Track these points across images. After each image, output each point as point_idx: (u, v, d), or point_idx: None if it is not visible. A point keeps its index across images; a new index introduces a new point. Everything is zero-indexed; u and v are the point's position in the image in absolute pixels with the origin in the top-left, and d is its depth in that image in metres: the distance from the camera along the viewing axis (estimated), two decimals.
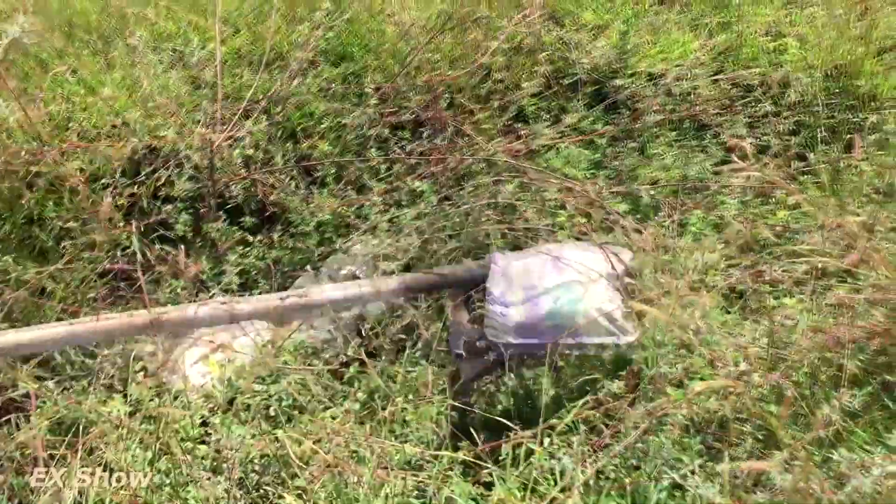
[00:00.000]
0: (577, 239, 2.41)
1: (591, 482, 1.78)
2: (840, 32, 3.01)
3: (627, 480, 1.70)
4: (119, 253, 2.55)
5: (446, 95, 2.86)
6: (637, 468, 1.80)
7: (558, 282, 2.04)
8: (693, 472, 1.70)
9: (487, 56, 2.84)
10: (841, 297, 1.84)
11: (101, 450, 2.06)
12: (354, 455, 1.99)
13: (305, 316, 2.34)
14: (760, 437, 1.80)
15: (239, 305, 2.09)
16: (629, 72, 3.04)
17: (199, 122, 2.68)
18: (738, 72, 2.96)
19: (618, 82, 2.98)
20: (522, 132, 2.83)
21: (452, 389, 2.15)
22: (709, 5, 3.29)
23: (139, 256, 2.54)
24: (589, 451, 1.81)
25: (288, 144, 2.83)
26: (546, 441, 1.83)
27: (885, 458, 1.55)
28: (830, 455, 1.66)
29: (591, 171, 2.81)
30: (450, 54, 2.94)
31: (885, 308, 1.79)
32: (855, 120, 2.76)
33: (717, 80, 2.96)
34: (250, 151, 2.72)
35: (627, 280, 2.14)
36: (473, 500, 1.79)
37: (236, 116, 2.73)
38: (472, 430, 1.94)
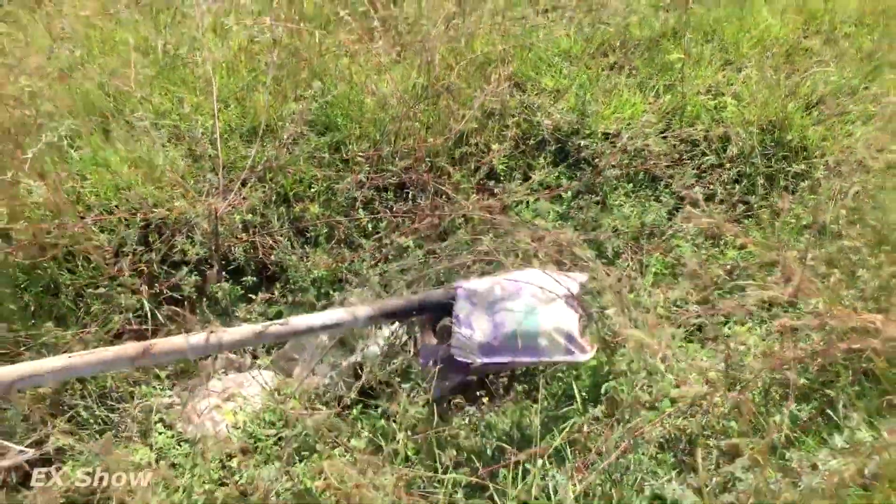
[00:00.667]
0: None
1: (581, 498, 2.03)
2: (771, 91, 3.39)
3: (614, 492, 1.96)
4: (132, 315, 2.76)
5: (426, 159, 3.14)
6: (620, 482, 2.06)
7: (519, 304, 2.27)
8: (670, 482, 1.96)
9: (462, 123, 3.15)
10: (784, 323, 2.14)
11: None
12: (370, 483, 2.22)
13: (288, 341, 2.55)
14: (724, 448, 2.08)
15: (226, 335, 2.25)
16: (587, 131, 3.37)
17: (202, 192, 2.93)
18: (684, 129, 3.32)
19: (578, 141, 3.31)
20: (495, 190, 3.13)
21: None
22: (654, 69, 3.66)
23: (150, 318, 2.77)
24: (577, 469, 2.07)
25: (282, 208, 3.08)
26: (539, 462, 2.09)
27: (829, 454, 1.83)
28: (785, 458, 1.94)
29: (559, 222, 3.11)
30: (426, 122, 3.24)
31: (822, 331, 2.09)
32: (788, 169, 3.12)
33: (665, 137, 3.31)
34: (249, 216, 2.97)
35: (585, 298, 2.39)
36: None
37: (235, 185, 2.98)
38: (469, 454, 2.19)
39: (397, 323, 2.63)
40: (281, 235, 2.99)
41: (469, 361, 2.23)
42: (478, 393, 2.44)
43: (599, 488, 2.05)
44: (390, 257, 2.98)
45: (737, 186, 3.09)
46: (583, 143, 3.29)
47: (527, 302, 2.31)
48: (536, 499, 2.00)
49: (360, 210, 3.06)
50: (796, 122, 3.27)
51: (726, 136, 3.23)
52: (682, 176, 3.13)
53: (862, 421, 1.94)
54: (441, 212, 3.01)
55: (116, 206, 2.86)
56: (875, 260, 2.24)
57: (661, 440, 2.11)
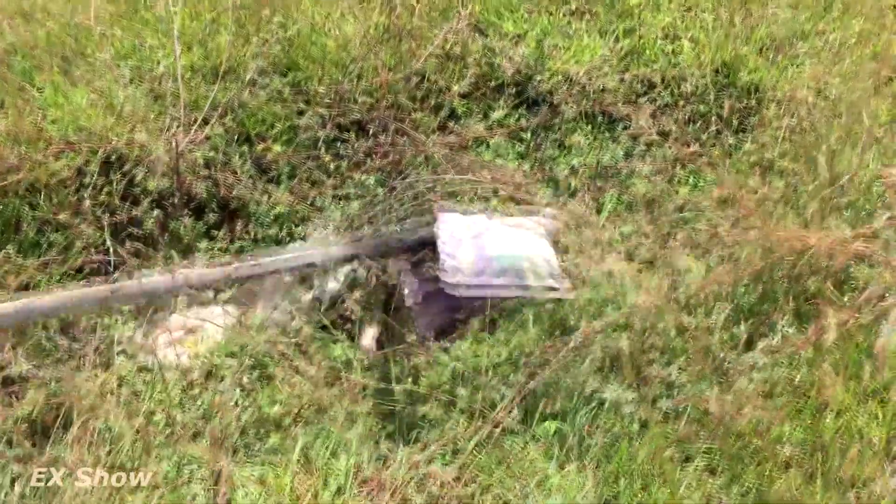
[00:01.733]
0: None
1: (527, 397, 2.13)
2: (726, 34, 3.46)
3: (559, 396, 2.04)
4: (93, 249, 2.79)
5: (386, 97, 3.18)
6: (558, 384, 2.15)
7: (501, 233, 2.32)
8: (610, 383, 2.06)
9: (422, 62, 3.19)
10: (715, 231, 2.21)
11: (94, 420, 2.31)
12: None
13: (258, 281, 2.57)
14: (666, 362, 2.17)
15: (192, 273, 2.20)
16: (547, 74, 3.42)
17: (163, 128, 2.95)
18: (641, 70, 3.38)
19: (537, 83, 3.36)
20: (455, 128, 3.18)
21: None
22: (614, 14, 3.71)
23: (111, 251, 2.81)
24: (524, 382, 2.15)
25: (244, 147, 3.11)
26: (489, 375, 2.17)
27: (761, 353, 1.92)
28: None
29: (518, 161, 3.17)
30: (388, 62, 3.27)
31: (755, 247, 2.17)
32: (740, 106, 3.19)
33: (623, 79, 3.37)
34: (211, 154, 3.00)
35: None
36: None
37: (196, 123, 3.00)
38: None
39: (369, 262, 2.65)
40: (243, 173, 3.02)
41: (456, 292, 2.27)
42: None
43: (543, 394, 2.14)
44: (352, 195, 3.03)
45: (691, 125, 3.16)
46: (541, 84, 3.34)
47: (508, 232, 2.36)
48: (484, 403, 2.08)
49: (322, 148, 3.10)
50: (749, 64, 3.34)
51: (682, 76, 3.29)
52: (638, 116, 3.19)
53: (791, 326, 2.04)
54: (402, 149, 3.05)
55: (74, 142, 2.87)
56: (812, 186, 2.32)
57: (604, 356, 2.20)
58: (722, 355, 2.01)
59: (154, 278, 2.24)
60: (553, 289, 2.26)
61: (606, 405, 2.02)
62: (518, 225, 2.40)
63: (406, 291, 2.44)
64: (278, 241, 2.91)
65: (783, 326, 2.14)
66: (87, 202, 2.75)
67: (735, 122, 3.14)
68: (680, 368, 2.01)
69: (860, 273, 2.17)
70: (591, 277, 2.44)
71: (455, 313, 2.40)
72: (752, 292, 2.30)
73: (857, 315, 2.02)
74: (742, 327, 2.16)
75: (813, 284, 2.17)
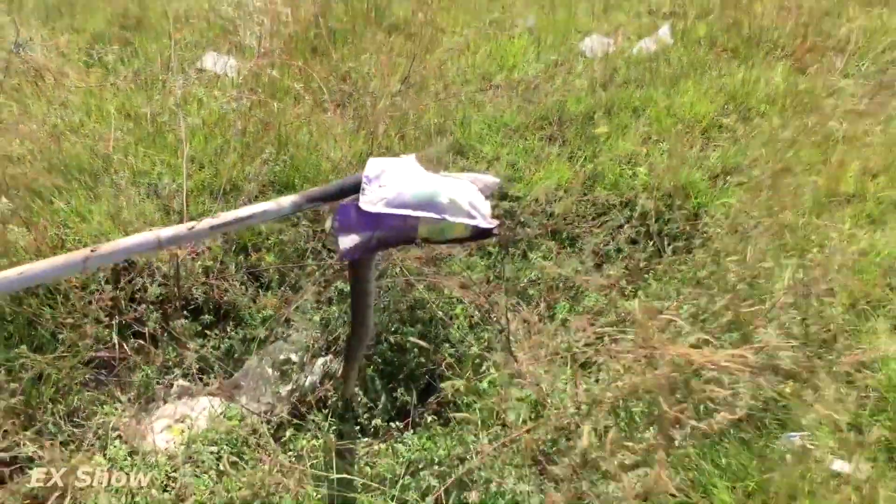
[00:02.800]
0: None
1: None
2: (681, 161, 3.82)
3: (474, 491, 2.32)
4: (102, 346, 3.18)
5: None
6: (477, 480, 2.43)
7: (428, 175, 2.27)
8: (525, 483, 2.33)
9: None
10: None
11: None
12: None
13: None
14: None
15: (163, 232, 2.18)
16: (517, 195, 3.80)
17: None
18: (601, 193, 3.74)
19: (506, 203, 3.74)
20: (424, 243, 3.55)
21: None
22: (584, 141, 4.11)
23: (117, 347, 3.19)
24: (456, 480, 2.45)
25: (240, 257, 3.51)
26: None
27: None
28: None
29: (485, 272, 3.52)
30: None
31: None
32: (686, 228, 3.53)
33: (584, 200, 3.73)
34: (209, 263, 3.41)
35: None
36: None
37: None
38: None
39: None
40: (237, 280, 3.41)
41: (373, 209, 2.19)
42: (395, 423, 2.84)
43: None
44: (332, 299, 3.40)
45: (641, 244, 3.49)
46: (510, 205, 3.72)
47: (436, 176, 2.31)
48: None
49: (309, 259, 3.49)
50: (700, 189, 3.69)
51: (636, 199, 3.65)
52: (594, 235, 3.54)
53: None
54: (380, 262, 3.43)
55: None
56: (720, 304, 2.62)
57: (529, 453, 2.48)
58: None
59: (130, 238, 2.16)
60: (472, 217, 2.20)
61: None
62: (453, 177, 2.36)
63: (329, 220, 2.35)
64: (264, 340, 3.27)
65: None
66: (96, 305, 3.14)
67: (678, 243, 3.46)
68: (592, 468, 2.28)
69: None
70: (535, 376, 2.75)
71: (373, 237, 2.29)
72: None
73: None
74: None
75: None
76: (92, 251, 2.07)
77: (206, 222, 2.17)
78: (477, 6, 5.52)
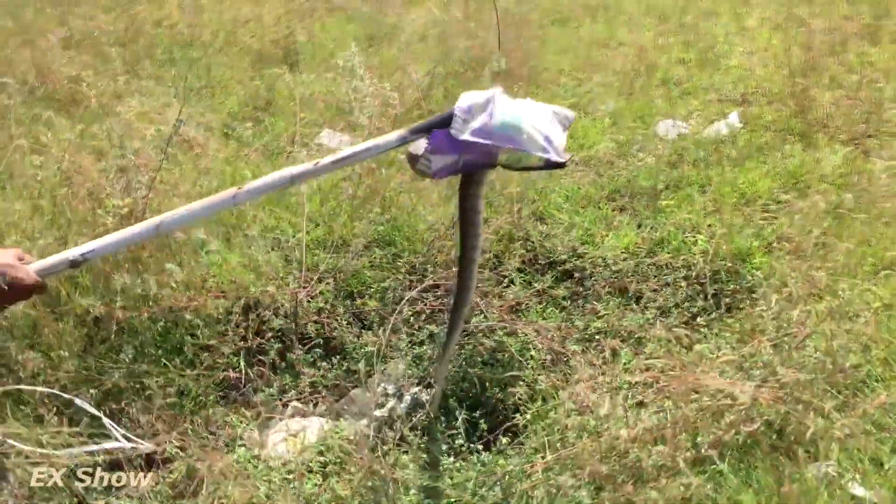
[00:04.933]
0: None
1: None
2: (738, 230, 4.26)
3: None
4: (232, 369, 3.80)
5: (454, 270, 4.15)
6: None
7: (514, 106, 2.45)
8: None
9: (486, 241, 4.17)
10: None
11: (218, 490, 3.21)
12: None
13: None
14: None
15: (294, 170, 2.31)
16: (588, 256, 4.31)
17: (289, 284, 4.02)
18: (663, 256, 4.21)
19: (579, 263, 4.26)
20: (509, 294, 4.09)
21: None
22: (651, 212, 4.60)
23: (243, 371, 3.81)
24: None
25: (347, 301, 4.12)
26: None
27: None
28: None
29: (557, 321, 4.01)
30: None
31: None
32: (738, 289, 3.95)
33: (648, 262, 4.21)
34: (322, 304, 4.03)
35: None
36: None
37: (314, 281, 4.06)
38: None
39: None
40: (344, 320, 4.02)
41: (460, 136, 2.36)
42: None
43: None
44: (424, 341, 3.95)
45: (696, 302, 3.93)
46: (583, 263, 4.23)
47: (519, 104, 2.49)
48: None
49: (406, 305, 4.07)
50: (756, 258, 4.12)
51: (695, 263, 4.10)
52: (656, 293, 4.00)
53: None
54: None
55: (227, 291, 3.97)
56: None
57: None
58: None
59: (269, 176, 2.32)
60: (546, 151, 2.39)
61: None
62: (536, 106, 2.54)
63: (415, 145, 2.48)
64: (365, 373, 3.84)
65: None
66: (230, 335, 3.78)
67: (728, 299, 3.88)
68: None
69: None
70: (595, 406, 3.22)
71: (460, 156, 2.47)
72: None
73: None
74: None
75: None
76: (238, 189, 2.27)
77: (329, 158, 2.33)
78: (564, 92, 6.15)
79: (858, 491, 2.80)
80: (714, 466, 2.79)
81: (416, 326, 4.01)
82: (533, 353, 3.79)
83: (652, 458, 2.80)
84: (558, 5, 7.52)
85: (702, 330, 3.76)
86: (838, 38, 6.71)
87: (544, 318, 4.04)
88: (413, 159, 2.48)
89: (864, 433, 2.87)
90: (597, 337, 3.87)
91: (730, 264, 4.05)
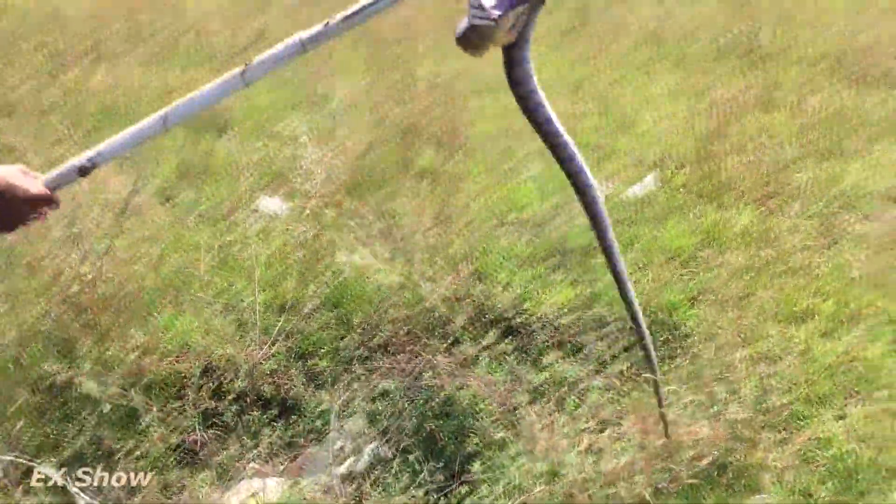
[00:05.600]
0: None
1: None
2: (667, 284, 4.60)
3: None
4: (188, 432, 3.84)
5: (404, 327, 4.33)
6: None
7: None
8: None
9: (431, 302, 4.37)
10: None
11: None
12: None
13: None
14: None
15: (304, 34, 2.16)
16: (529, 312, 4.55)
17: (243, 347, 4.11)
18: (597, 310, 4.50)
19: (521, 319, 4.50)
20: (454, 351, 4.28)
21: None
22: (584, 269, 4.91)
23: (200, 434, 3.85)
24: None
25: (300, 362, 4.23)
26: None
27: None
28: None
29: (503, 377, 4.21)
30: (407, 302, 4.46)
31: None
32: (669, 338, 4.26)
33: (582, 317, 4.48)
34: (275, 366, 4.12)
35: None
36: None
37: (267, 344, 4.16)
38: None
39: None
40: (299, 381, 4.12)
41: None
42: None
43: None
44: (376, 398, 4.08)
45: (631, 352, 4.21)
46: (525, 319, 4.48)
47: None
48: None
49: (356, 363, 4.21)
50: (679, 307, 4.45)
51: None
52: (594, 346, 4.27)
53: None
54: (415, 365, 4.14)
55: (182, 355, 4.03)
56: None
57: None
58: None
59: (277, 46, 2.15)
60: None
61: None
62: None
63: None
64: (322, 431, 3.93)
65: None
66: (188, 397, 3.83)
67: (662, 351, 4.19)
68: None
69: None
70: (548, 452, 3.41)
71: None
72: None
73: None
74: None
75: None
76: (246, 65, 2.13)
77: (339, 16, 2.18)
78: (494, 159, 6.49)
79: None
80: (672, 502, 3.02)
81: (371, 385, 4.14)
82: (482, 405, 3.97)
83: (610, 500, 3.02)
84: (480, 75, 7.92)
85: (642, 375, 4.04)
86: (736, 106, 7.30)
87: (490, 372, 4.24)
88: (467, 35, 2.24)
89: (795, 466, 3.17)
90: (542, 388, 4.09)
91: (662, 316, 4.36)
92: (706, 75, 8.78)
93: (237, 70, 2.09)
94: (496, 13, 2.09)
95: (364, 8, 2.13)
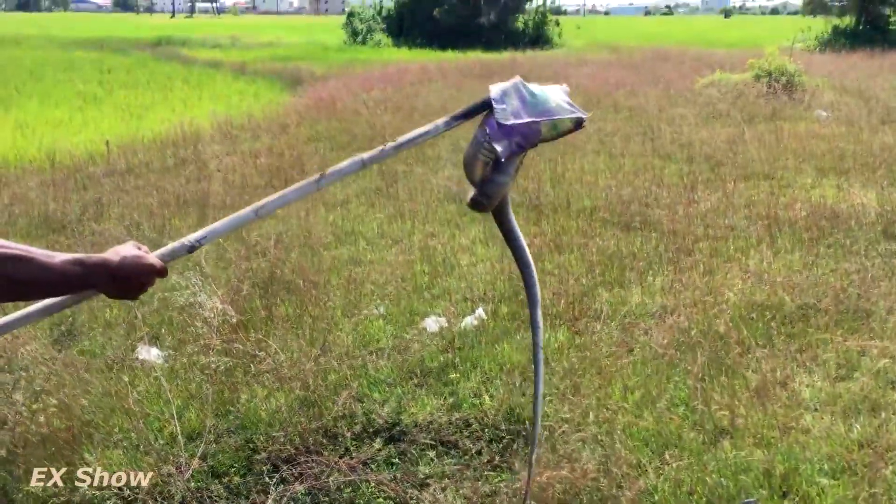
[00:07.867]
0: None
1: None
2: (523, 393, 5.68)
3: None
4: None
5: (305, 442, 5.03)
6: None
7: (537, 89, 2.82)
8: None
9: (325, 421, 5.12)
10: None
11: None
12: None
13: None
14: None
15: (365, 155, 2.56)
16: (406, 422, 5.42)
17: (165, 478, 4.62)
18: (462, 414, 5.46)
19: (399, 428, 5.35)
20: (350, 458, 5.04)
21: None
22: (442, 383, 5.88)
23: None
24: None
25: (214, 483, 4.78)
26: None
27: None
28: None
29: (394, 473, 5.00)
30: (306, 420, 5.18)
31: None
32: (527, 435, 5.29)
33: (450, 420, 5.42)
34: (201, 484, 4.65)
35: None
36: None
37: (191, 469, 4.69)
38: None
39: None
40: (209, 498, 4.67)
41: (508, 122, 2.70)
42: None
43: None
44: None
45: (495, 445, 5.19)
46: (403, 428, 5.34)
47: (540, 87, 2.86)
48: None
49: (266, 477, 4.84)
50: (527, 409, 5.53)
51: (485, 419, 5.40)
52: (468, 439, 5.20)
53: None
54: (317, 472, 4.84)
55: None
56: None
57: None
58: None
59: (345, 162, 2.55)
60: (573, 111, 2.77)
61: None
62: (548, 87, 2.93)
63: (488, 131, 2.73)
64: None
65: None
66: None
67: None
68: None
69: None
70: None
71: (512, 139, 2.74)
72: None
73: None
74: None
75: None
76: (322, 174, 2.47)
77: (391, 144, 2.57)
78: (343, 305, 7.43)
79: None
80: None
81: (278, 494, 4.78)
82: (381, 499, 4.74)
83: None
84: (310, 231, 9.00)
85: (510, 460, 5.01)
86: (534, 249, 8.82)
87: (377, 473, 5.03)
88: (482, 190, 2.79)
89: None
90: (427, 481, 4.93)
91: (512, 417, 5.42)
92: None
93: (314, 178, 2.48)
94: (500, 151, 2.69)
95: (408, 140, 2.59)
